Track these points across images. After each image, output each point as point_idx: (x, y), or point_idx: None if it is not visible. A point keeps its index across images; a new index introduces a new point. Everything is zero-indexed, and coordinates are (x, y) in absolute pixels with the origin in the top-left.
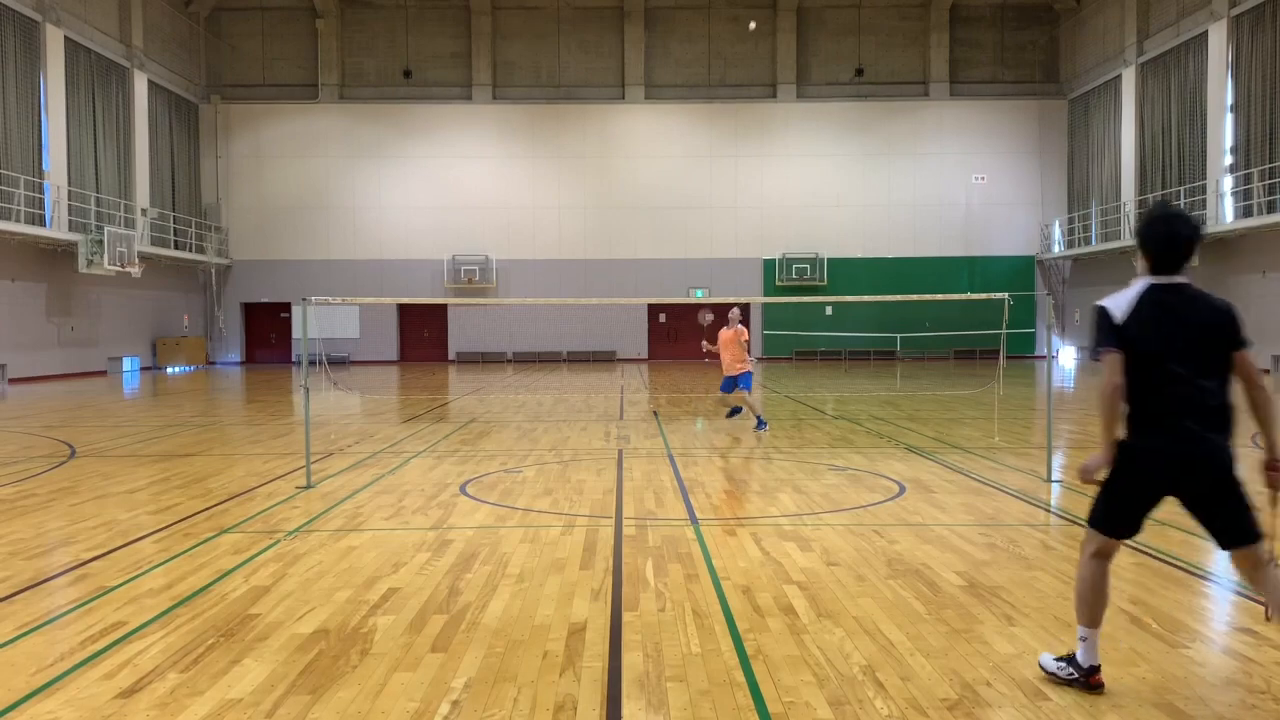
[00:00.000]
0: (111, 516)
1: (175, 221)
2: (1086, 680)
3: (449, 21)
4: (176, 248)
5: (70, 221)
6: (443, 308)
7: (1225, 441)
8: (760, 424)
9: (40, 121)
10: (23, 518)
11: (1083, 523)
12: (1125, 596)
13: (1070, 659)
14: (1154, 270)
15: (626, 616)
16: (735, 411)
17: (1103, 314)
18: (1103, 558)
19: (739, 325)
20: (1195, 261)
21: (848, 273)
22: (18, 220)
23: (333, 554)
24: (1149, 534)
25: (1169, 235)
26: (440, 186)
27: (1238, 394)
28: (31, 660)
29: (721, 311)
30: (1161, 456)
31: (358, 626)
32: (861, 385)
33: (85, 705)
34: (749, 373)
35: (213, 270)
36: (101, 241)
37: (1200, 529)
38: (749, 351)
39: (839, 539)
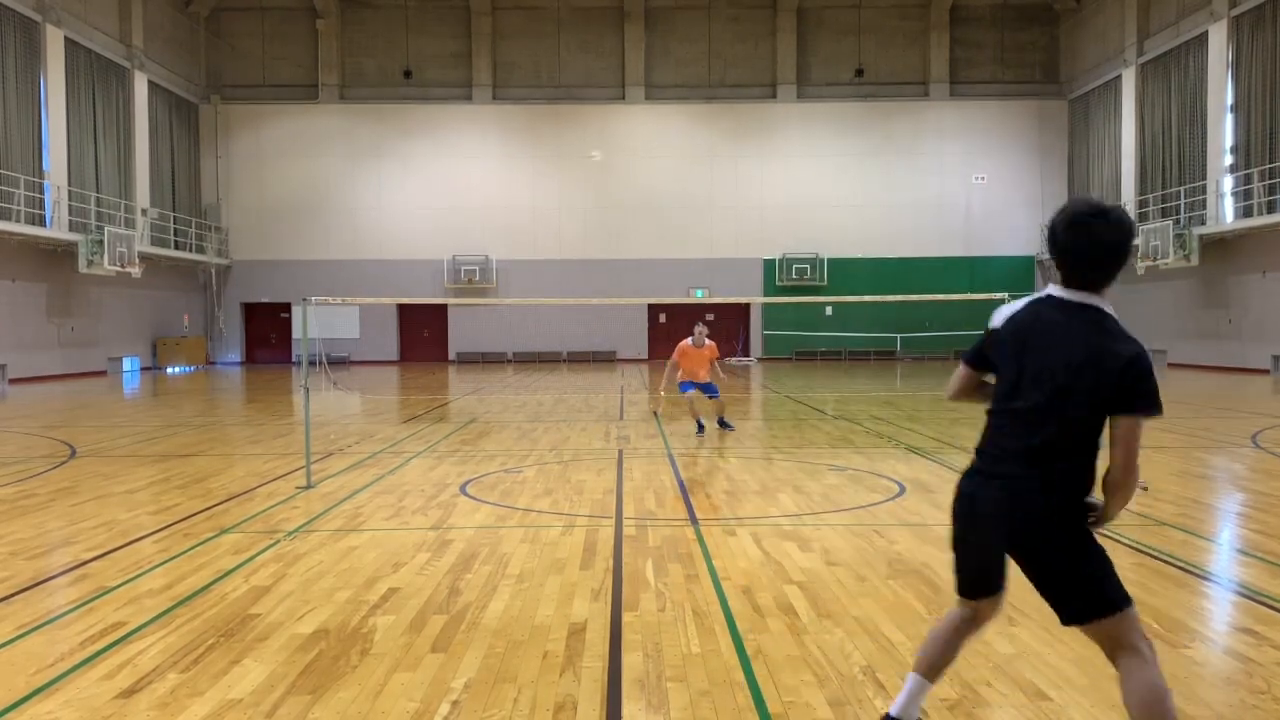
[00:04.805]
0: (111, 516)
1: (175, 221)
2: None
3: (449, 21)
4: (176, 248)
5: (70, 221)
6: (443, 308)
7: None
8: (700, 428)
9: (40, 121)
10: (23, 518)
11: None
12: None
13: None
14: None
15: (626, 617)
16: (724, 424)
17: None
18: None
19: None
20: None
21: (848, 273)
22: (18, 220)
23: (333, 554)
24: (1149, 534)
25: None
26: (440, 186)
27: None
28: (31, 660)
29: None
30: (968, 501)
31: (358, 626)
32: (861, 385)
33: (85, 705)
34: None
35: (213, 270)
36: (101, 241)
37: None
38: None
39: (839, 539)
